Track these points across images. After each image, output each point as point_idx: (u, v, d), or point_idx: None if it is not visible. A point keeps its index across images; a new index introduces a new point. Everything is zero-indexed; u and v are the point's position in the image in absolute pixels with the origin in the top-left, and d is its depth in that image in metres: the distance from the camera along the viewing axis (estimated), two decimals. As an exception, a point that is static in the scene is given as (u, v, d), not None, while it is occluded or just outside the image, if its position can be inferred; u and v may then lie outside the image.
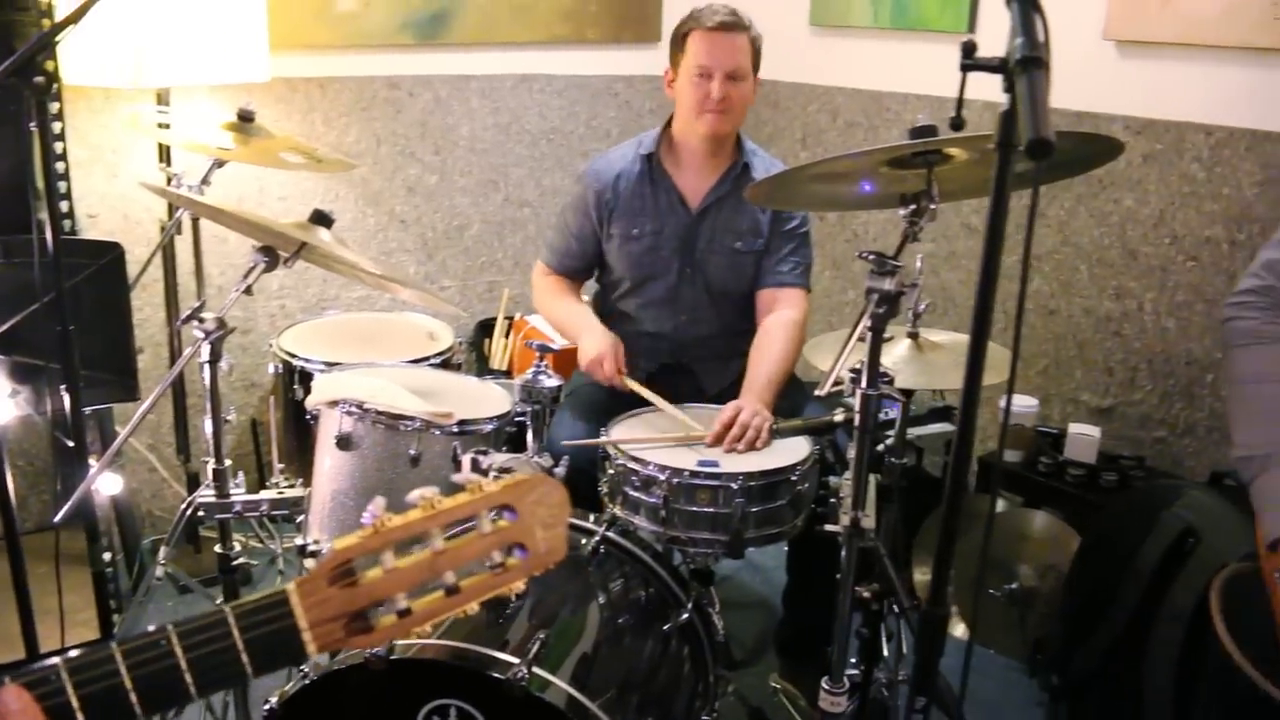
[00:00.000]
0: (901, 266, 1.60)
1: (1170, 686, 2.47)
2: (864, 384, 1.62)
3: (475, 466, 1.92)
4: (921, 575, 3.24)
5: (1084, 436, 2.98)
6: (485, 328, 3.93)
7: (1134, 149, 3.08)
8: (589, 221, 2.76)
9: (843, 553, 1.72)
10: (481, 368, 3.88)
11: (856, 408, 1.63)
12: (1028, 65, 1.07)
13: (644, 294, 2.75)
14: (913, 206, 1.65)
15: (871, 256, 1.58)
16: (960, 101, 1.30)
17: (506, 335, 3.84)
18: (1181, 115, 2.99)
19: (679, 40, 2.63)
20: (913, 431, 3.20)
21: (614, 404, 2.54)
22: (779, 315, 2.65)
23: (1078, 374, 3.29)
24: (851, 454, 1.76)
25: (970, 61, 1.18)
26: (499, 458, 1.93)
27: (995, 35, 3.67)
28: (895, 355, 2.24)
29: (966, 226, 3.53)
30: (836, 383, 1.64)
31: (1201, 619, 2.03)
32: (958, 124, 1.30)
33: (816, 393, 1.65)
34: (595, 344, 2.58)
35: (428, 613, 0.99)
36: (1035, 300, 3.36)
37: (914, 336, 2.25)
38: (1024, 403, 3.10)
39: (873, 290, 1.58)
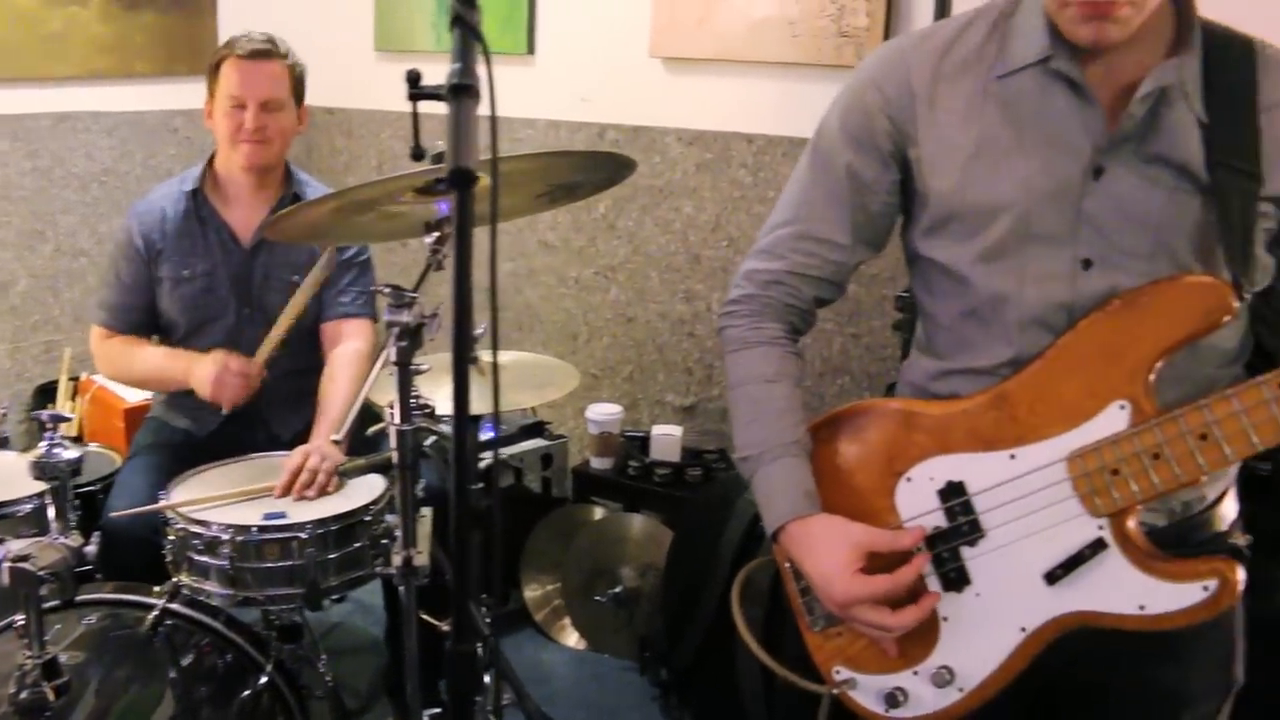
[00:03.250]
0: (418, 298, 1.57)
1: (757, 662, 2.62)
2: (397, 419, 1.58)
3: (-9, 556, 1.72)
4: (531, 592, 3.27)
5: (666, 436, 3.10)
6: (47, 393, 3.58)
7: (688, 159, 3.26)
8: (142, 268, 2.56)
9: (401, 592, 1.67)
10: (46, 436, 3.53)
11: (393, 444, 1.59)
12: (458, 93, 1.06)
13: (202, 339, 2.58)
14: (436, 234, 1.62)
15: (388, 289, 1.54)
16: (416, 130, 1.28)
17: (73, 398, 3.51)
18: (726, 126, 3.18)
19: (213, 70, 2.51)
20: (508, 450, 3.22)
21: (177, 464, 2.36)
22: (345, 348, 2.57)
23: (660, 376, 3.43)
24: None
25: (417, 90, 1.16)
26: (17, 544, 1.74)
27: (553, 55, 3.75)
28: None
29: (544, 244, 3.59)
30: (372, 422, 1.59)
31: (777, 598, 2.16)
32: (418, 154, 1.28)
33: (333, 438, 1.60)
34: (209, 364, 2.39)
35: None
36: (614, 309, 3.47)
37: (473, 361, 2.23)
38: (610, 410, 3.19)
39: (393, 324, 1.54)
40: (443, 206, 1.94)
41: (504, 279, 3.67)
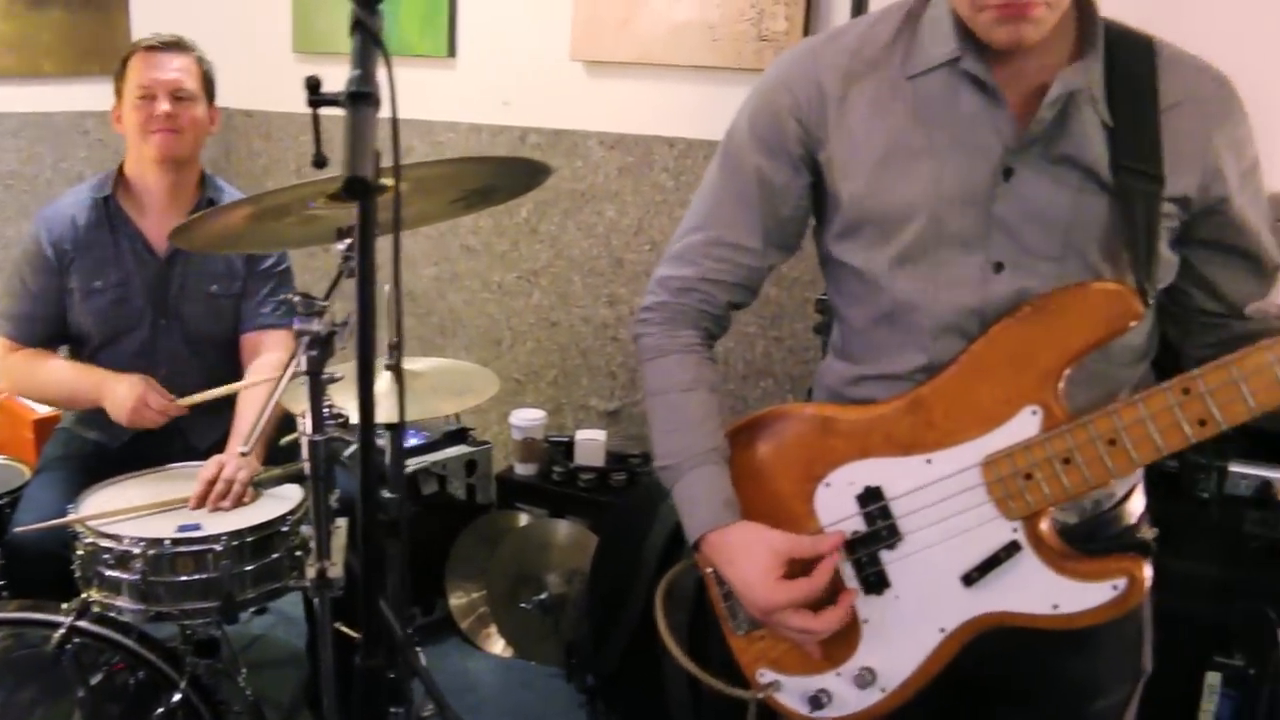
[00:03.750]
0: (329, 306, 1.54)
1: (682, 668, 2.62)
2: (309, 429, 1.55)
3: None
4: (456, 600, 3.23)
5: (591, 441, 3.09)
6: (-53, 405, 3.46)
7: (610, 163, 3.25)
8: (52, 278, 2.48)
9: (315, 604, 1.64)
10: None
11: (305, 455, 1.56)
12: (355, 100, 1.03)
13: (116, 351, 2.51)
14: (348, 241, 1.59)
15: (298, 298, 1.52)
16: (317, 137, 1.26)
17: (-24, 411, 3.41)
18: (648, 129, 3.18)
19: (121, 69, 2.46)
20: (432, 457, 3.18)
21: (88, 477, 2.30)
22: (264, 360, 2.52)
23: (584, 381, 3.42)
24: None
25: (316, 97, 1.14)
26: (-88, 562, 1.68)
27: (475, 58, 3.70)
28: (378, 391, 2.19)
29: (466, 248, 3.56)
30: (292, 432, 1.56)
31: (701, 603, 2.16)
32: (319, 162, 1.25)
33: (240, 450, 1.57)
34: (128, 390, 2.32)
35: None
36: (537, 314, 3.46)
37: (392, 368, 2.20)
38: (533, 416, 3.17)
39: (302, 333, 1.51)
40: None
41: (427, 284, 3.64)
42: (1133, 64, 1.31)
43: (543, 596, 3.10)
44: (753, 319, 3.09)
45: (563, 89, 3.29)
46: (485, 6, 3.43)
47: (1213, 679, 1.97)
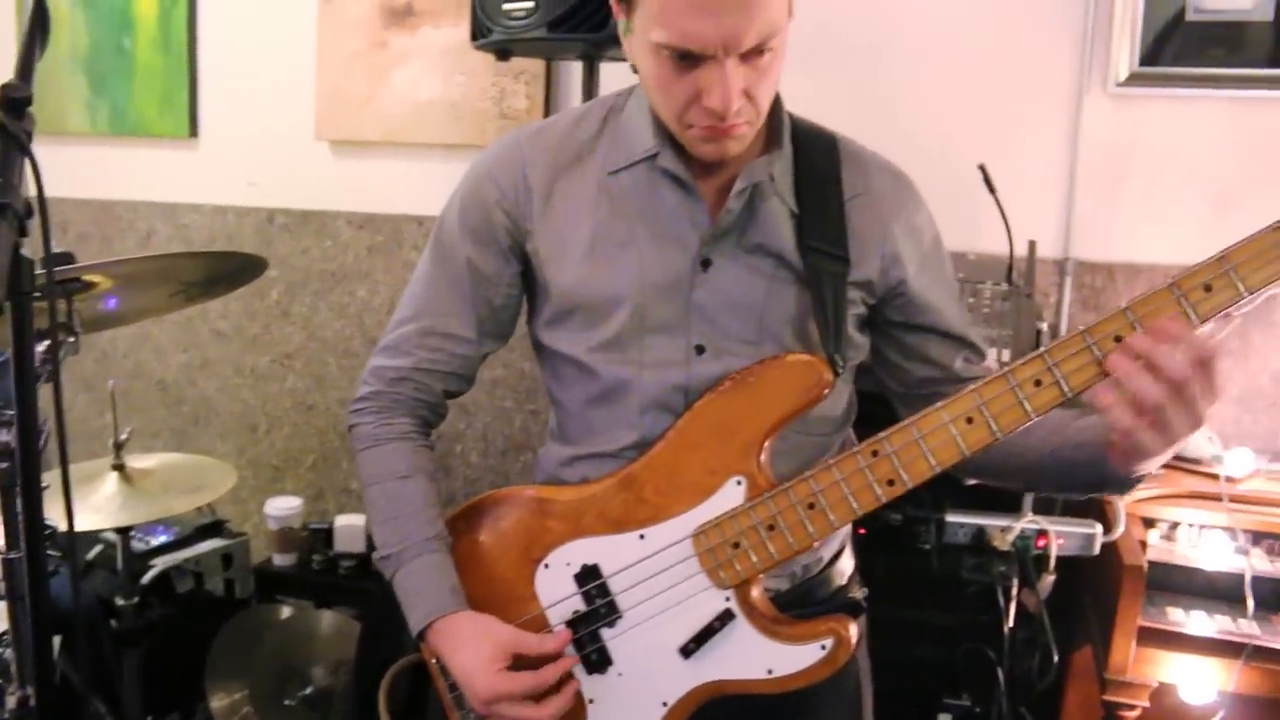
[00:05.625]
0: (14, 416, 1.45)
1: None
2: (3, 546, 1.45)
3: None
4: (218, 702, 3.08)
5: (349, 526, 3.01)
6: None
7: (359, 242, 3.22)
8: None
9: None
10: None
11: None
12: None
13: None
14: (46, 342, 1.51)
15: (-18, 407, 1.42)
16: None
17: None
18: (395, 208, 3.17)
19: None
20: (184, 554, 3.03)
21: None
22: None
23: (345, 464, 3.34)
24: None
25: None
26: None
27: (218, 137, 3.58)
28: (104, 493, 2.08)
29: (216, 333, 3.44)
30: None
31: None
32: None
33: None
34: None
35: None
36: (293, 398, 3.37)
37: (120, 468, 2.11)
38: (288, 504, 3.06)
39: (-12, 444, 1.42)
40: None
41: (177, 371, 3.49)
42: (818, 158, 1.40)
43: (308, 691, 2.98)
44: (509, 394, 3.10)
45: (309, 169, 3.25)
46: (227, 85, 3.35)
47: (944, 719, 2.07)
